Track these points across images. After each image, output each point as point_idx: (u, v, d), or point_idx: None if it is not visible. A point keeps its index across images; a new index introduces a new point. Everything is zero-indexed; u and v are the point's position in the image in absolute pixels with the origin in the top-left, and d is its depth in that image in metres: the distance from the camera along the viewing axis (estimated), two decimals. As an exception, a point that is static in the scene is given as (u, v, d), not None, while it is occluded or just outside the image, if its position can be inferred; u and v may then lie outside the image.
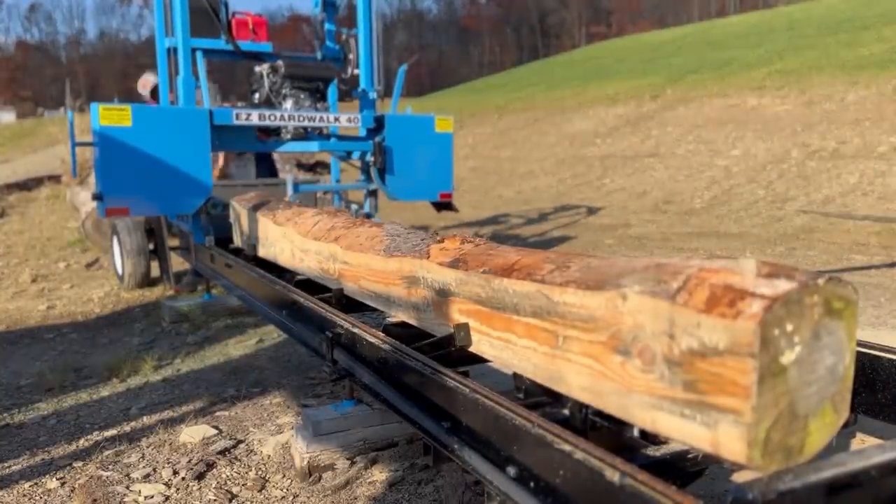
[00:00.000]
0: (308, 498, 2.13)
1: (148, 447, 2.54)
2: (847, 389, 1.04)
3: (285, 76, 4.82)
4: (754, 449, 0.94)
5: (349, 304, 2.50)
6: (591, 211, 9.34)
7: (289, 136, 4.84)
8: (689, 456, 1.36)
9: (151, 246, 5.41)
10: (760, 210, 8.29)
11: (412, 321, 2.03)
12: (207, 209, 4.39)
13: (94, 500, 2.14)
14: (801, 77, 14.89)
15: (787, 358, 0.95)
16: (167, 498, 2.16)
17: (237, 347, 3.84)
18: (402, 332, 2.03)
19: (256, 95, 5.06)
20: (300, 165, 11.06)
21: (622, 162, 12.66)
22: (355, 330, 2.05)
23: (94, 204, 6.88)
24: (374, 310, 2.43)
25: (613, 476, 1.03)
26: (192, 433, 2.60)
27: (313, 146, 4.89)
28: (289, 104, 4.85)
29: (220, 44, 4.81)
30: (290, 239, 2.97)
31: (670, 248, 6.43)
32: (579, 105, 19.53)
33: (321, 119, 4.63)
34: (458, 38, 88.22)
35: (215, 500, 2.13)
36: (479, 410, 1.43)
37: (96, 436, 2.67)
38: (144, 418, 2.83)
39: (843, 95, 12.61)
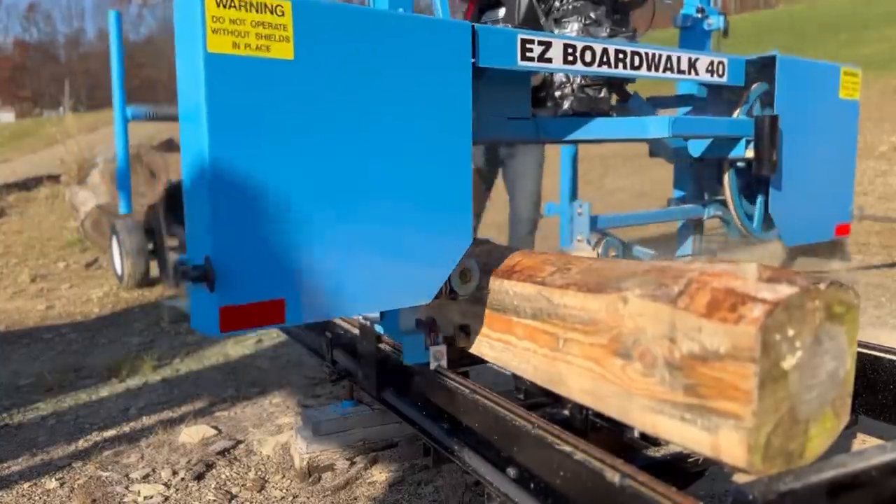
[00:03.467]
0: (308, 498, 2.13)
1: (147, 447, 2.54)
2: (848, 394, 1.04)
3: None
4: (755, 454, 0.94)
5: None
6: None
7: (566, 106, 2.43)
8: (690, 457, 1.36)
9: (151, 246, 5.40)
10: (760, 210, 8.29)
11: (412, 322, 2.02)
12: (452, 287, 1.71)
13: (94, 501, 2.14)
14: (801, 76, 14.87)
15: (789, 363, 0.95)
16: (166, 498, 2.16)
17: (236, 347, 3.84)
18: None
19: (501, 12, 2.55)
20: None
21: (623, 161, 12.66)
22: (355, 330, 2.05)
23: (93, 203, 6.86)
24: (374, 310, 2.41)
25: (614, 477, 1.03)
26: (192, 433, 2.60)
27: (660, 125, 2.07)
28: (573, 28, 2.42)
29: None
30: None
31: (671, 249, 6.42)
32: (579, 104, 19.49)
33: (668, 63, 2.10)
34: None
35: (215, 500, 2.13)
36: (479, 411, 1.43)
37: (95, 436, 2.67)
38: (144, 418, 2.83)
39: (843, 95, 12.60)
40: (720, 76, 2.28)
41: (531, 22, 2.49)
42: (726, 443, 0.97)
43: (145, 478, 2.29)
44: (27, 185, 10.49)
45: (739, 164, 2.48)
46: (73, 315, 4.76)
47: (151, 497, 2.16)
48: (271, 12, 1.33)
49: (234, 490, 2.20)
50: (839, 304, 0.99)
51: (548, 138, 2.39)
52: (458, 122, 1.59)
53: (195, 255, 1.33)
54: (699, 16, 2.80)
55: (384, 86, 1.46)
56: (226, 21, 1.28)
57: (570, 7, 2.45)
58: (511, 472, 1.30)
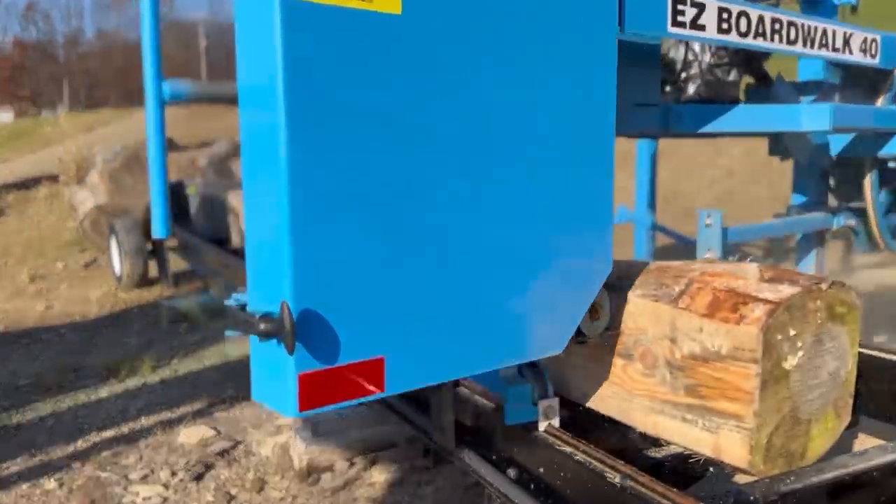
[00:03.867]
0: (307, 499, 2.13)
1: (146, 448, 2.53)
2: (849, 394, 1.04)
3: None
4: (756, 454, 0.94)
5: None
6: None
7: (691, 91, 2.09)
8: (691, 458, 1.35)
9: (150, 246, 5.39)
10: (762, 209, 8.30)
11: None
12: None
13: (93, 501, 2.14)
14: (801, 76, 14.86)
15: (790, 363, 0.95)
16: (165, 499, 2.15)
17: (235, 347, 3.84)
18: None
19: None
20: None
21: (623, 161, 12.65)
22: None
23: (92, 203, 6.85)
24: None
25: (615, 478, 1.02)
26: (191, 434, 2.59)
27: (819, 115, 1.75)
28: None
29: None
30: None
31: (672, 249, 6.43)
32: (578, 104, 19.47)
33: (823, 38, 1.68)
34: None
35: (214, 501, 2.13)
36: (479, 411, 1.43)
37: (94, 436, 2.66)
38: (143, 419, 2.82)
39: (843, 95, 12.59)
40: (872, 57, 1.86)
41: None
42: (728, 443, 0.97)
43: (144, 478, 2.29)
44: (26, 184, 10.47)
45: (891, 164, 2.13)
46: (72, 315, 4.76)
47: (150, 498, 2.16)
48: None
49: (233, 491, 2.20)
50: (841, 304, 0.99)
51: (677, 129, 1.94)
52: (600, 110, 1.17)
53: (260, 298, 0.95)
54: None
55: (516, 59, 1.05)
56: None
57: None
58: (511, 472, 1.30)
